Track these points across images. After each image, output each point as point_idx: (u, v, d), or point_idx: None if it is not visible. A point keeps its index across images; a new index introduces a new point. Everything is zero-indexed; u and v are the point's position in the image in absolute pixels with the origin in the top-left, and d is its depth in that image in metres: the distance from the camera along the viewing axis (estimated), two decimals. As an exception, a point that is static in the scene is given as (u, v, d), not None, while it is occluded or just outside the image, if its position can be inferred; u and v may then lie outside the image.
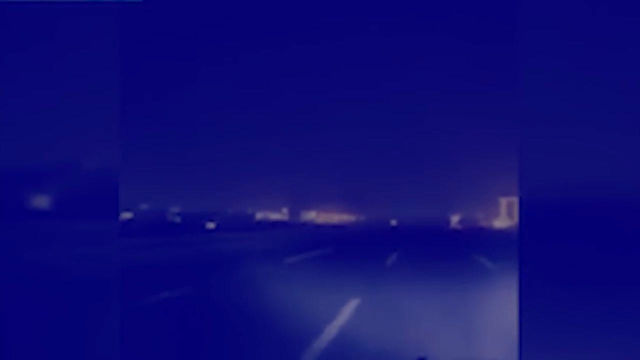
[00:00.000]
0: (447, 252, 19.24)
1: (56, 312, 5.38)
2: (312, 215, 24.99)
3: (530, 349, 5.00)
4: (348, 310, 7.56)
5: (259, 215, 24.98)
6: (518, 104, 5.14)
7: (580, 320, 5.01)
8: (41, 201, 5.92)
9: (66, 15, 5.28)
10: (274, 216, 24.35)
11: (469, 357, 5.50)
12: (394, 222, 24.08)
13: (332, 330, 6.34)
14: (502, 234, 23.83)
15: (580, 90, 5.01)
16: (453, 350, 5.66)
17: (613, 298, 5.05)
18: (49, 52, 5.31)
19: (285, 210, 24.35)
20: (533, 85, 5.09)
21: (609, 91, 4.83)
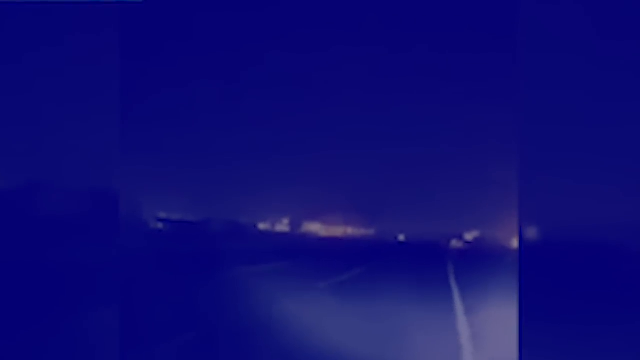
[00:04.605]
0: (458, 271, 19.32)
1: (56, 312, 5.60)
2: (316, 227, 25.12)
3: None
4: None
5: (262, 226, 25.13)
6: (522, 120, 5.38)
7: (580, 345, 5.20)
8: (41, 204, 6.16)
9: (66, 15, 5.57)
10: (278, 227, 24.50)
11: None
12: (402, 238, 24.11)
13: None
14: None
15: (581, 101, 5.22)
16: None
17: (613, 324, 5.24)
18: (49, 52, 5.59)
19: (288, 221, 24.52)
20: (534, 99, 5.32)
21: (609, 101, 5.05)
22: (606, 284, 5.26)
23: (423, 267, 20.70)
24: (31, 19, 5.47)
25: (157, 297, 9.20)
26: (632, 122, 4.80)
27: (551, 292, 5.35)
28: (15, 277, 5.70)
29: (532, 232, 5.62)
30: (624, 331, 5.11)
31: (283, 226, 23.89)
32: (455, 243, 26.97)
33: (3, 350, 5.08)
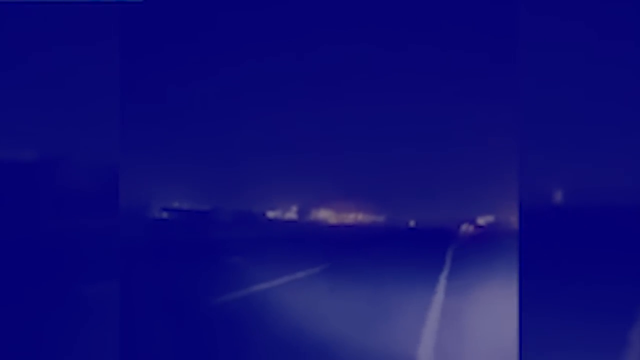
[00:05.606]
0: (469, 257, 19.35)
1: (57, 309, 5.72)
2: (326, 215, 25.24)
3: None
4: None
5: (271, 214, 25.22)
6: (519, 113, 5.42)
7: (580, 327, 5.27)
8: (42, 197, 6.26)
9: (67, 15, 5.63)
10: (288, 215, 24.62)
11: None
12: (412, 223, 24.16)
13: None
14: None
15: (581, 101, 5.24)
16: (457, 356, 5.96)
17: (611, 300, 5.31)
18: (49, 52, 5.66)
19: (297, 209, 24.63)
20: (534, 95, 5.35)
21: (609, 101, 5.06)
22: (605, 277, 5.32)
23: (428, 251, 20.79)
24: (30, 19, 5.54)
25: (160, 284, 9.36)
26: (633, 122, 4.82)
27: (551, 275, 5.42)
28: (18, 271, 5.81)
29: (531, 221, 5.68)
30: (625, 323, 5.17)
31: (292, 214, 24.05)
32: (465, 228, 27.00)
33: (2, 340, 5.22)
